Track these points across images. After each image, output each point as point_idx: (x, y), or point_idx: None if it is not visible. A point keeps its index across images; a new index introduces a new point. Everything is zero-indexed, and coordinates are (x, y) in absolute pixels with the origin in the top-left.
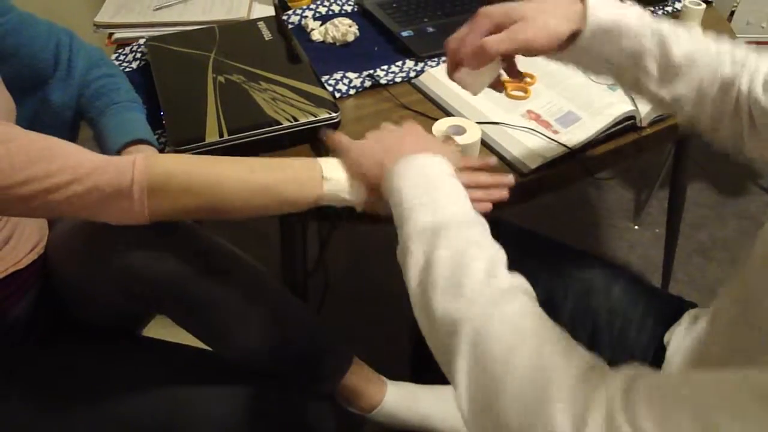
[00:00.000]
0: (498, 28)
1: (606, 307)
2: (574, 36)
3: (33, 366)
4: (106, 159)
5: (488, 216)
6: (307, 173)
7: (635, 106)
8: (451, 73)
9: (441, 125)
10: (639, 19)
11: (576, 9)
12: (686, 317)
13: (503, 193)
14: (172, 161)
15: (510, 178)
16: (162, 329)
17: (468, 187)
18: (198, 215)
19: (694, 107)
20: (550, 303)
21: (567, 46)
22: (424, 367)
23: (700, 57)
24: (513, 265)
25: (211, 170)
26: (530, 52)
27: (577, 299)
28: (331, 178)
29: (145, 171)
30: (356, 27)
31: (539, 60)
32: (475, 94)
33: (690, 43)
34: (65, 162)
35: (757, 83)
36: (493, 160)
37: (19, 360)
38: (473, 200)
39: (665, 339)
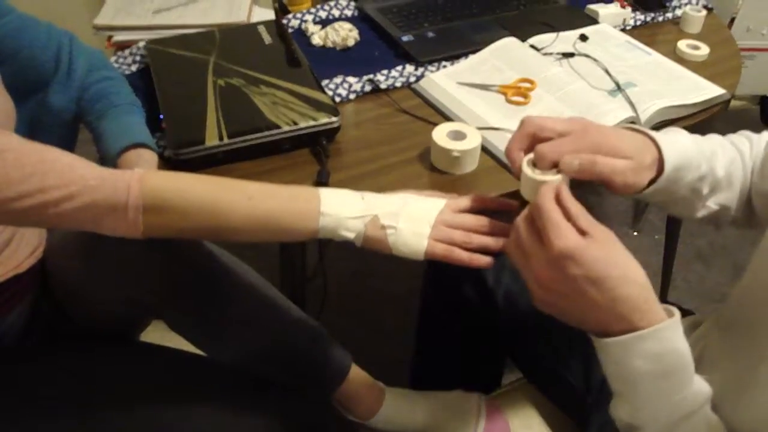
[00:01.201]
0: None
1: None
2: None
3: (28, 370)
4: (102, 175)
5: None
6: (305, 205)
7: (635, 112)
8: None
9: (441, 130)
10: (694, 144)
11: (652, 149)
12: (683, 324)
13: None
14: (168, 183)
15: None
16: (159, 334)
17: (475, 232)
18: (193, 236)
19: (735, 211)
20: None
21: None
22: (423, 373)
23: (733, 164)
24: (509, 275)
25: (208, 195)
26: (605, 184)
27: None
28: (328, 213)
29: (140, 193)
30: (356, 31)
31: (538, 65)
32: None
33: (724, 155)
34: (60, 177)
35: (756, 164)
36: (513, 203)
37: (15, 364)
38: (479, 248)
39: None
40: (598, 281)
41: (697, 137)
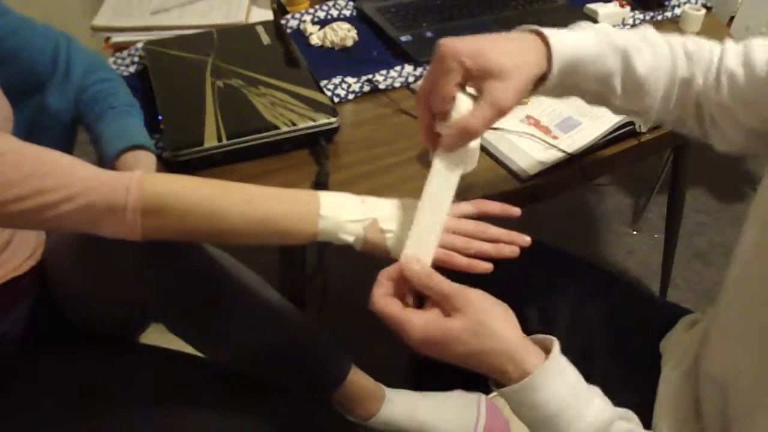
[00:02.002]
0: (467, 75)
1: (601, 315)
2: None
3: (27, 373)
4: (101, 177)
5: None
6: (304, 208)
7: None
8: (428, 134)
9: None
10: (598, 41)
11: (540, 48)
12: (682, 324)
13: (515, 252)
14: (167, 185)
15: (526, 239)
16: (159, 336)
17: (475, 238)
18: (192, 239)
19: (658, 114)
20: (545, 311)
21: (535, 88)
22: (423, 374)
23: (661, 66)
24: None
25: (208, 198)
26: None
27: (572, 307)
28: (327, 216)
29: (139, 195)
30: (355, 31)
31: None
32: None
33: (652, 54)
34: (59, 179)
35: (710, 77)
36: (516, 210)
37: (14, 367)
38: (478, 254)
39: (661, 346)
40: (469, 354)
41: (614, 32)
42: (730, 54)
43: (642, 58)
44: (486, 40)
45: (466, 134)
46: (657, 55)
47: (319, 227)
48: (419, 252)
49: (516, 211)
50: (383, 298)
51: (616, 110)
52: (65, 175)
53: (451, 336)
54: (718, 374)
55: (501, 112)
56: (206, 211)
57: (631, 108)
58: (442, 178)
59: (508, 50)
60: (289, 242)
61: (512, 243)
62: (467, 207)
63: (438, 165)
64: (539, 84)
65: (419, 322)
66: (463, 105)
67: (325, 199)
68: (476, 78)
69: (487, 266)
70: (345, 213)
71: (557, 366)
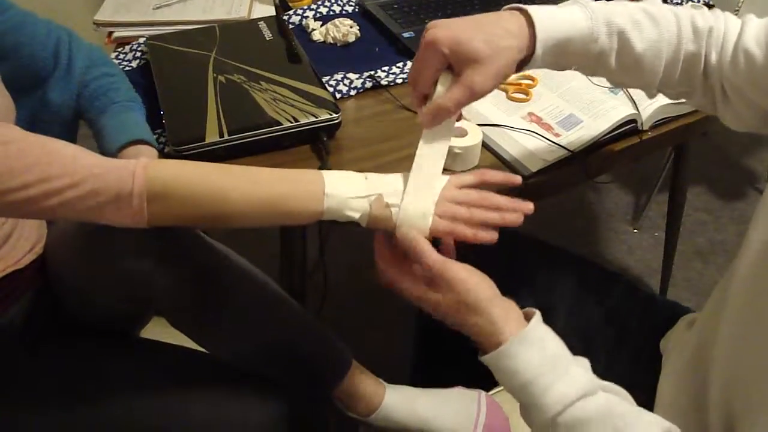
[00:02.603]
0: (448, 61)
1: (601, 313)
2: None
3: (27, 367)
4: (106, 164)
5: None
6: (309, 187)
7: (637, 109)
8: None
9: None
10: (589, 18)
11: (524, 31)
12: (681, 323)
13: (519, 219)
14: (173, 170)
15: (530, 206)
16: (160, 330)
17: (480, 206)
18: (198, 224)
19: (660, 87)
20: (545, 309)
21: (521, 67)
22: (424, 370)
23: (664, 40)
24: (507, 270)
25: (213, 181)
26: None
27: (572, 305)
28: (332, 194)
29: (145, 181)
30: (357, 27)
31: None
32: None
33: (652, 29)
34: (63, 167)
35: (726, 54)
36: (518, 179)
37: (14, 360)
38: (482, 222)
39: (661, 345)
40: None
41: (610, 7)
42: (750, 32)
43: (641, 34)
44: (469, 26)
45: (438, 113)
46: (659, 27)
47: (324, 206)
48: (415, 218)
49: (517, 179)
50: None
51: (613, 83)
52: (69, 163)
53: (440, 310)
54: (723, 371)
55: (474, 95)
56: (212, 194)
57: (629, 83)
58: (429, 148)
59: (490, 35)
60: (295, 222)
61: (516, 210)
62: (469, 178)
63: (425, 138)
64: (524, 64)
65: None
66: (441, 87)
67: (329, 177)
68: (456, 64)
69: (491, 236)
70: (350, 190)
71: (534, 334)
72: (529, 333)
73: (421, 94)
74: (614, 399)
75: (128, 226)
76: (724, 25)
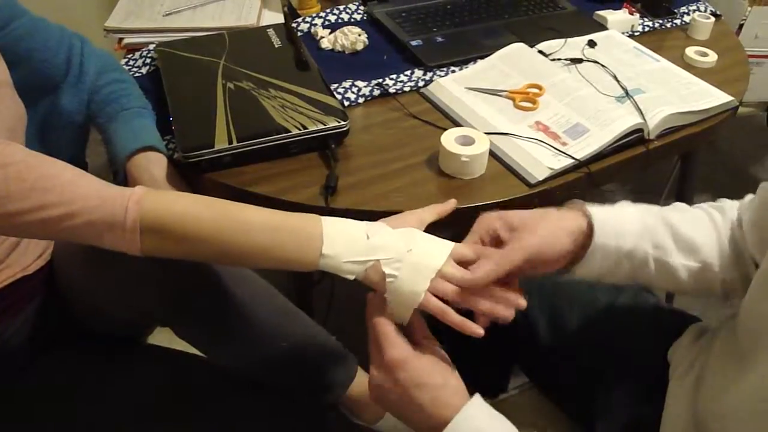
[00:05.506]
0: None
1: (609, 322)
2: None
3: (34, 373)
4: (102, 194)
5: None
6: (306, 243)
7: (643, 119)
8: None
9: (449, 135)
10: (639, 237)
11: (582, 229)
12: (689, 332)
13: (510, 315)
14: (166, 207)
15: (522, 303)
16: (168, 336)
17: (475, 294)
18: (193, 260)
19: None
20: (553, 317)
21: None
22: None
23: (701, 224)
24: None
25: (207, 223)
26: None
27: (580, 313)
28: (329, 255)
29: (137, 215)
30: (365, 36)
31: (547, 71)
32: None
33: (682, 218)
34: (60, 195)
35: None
36: (522, 303)
37: (21, 368)
38: (472, 309)
39: (669, 354)
40: (420, 386)
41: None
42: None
43: (677, 220)
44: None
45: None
46: (684, 214)
47: (320, 264)
48: (406, 296)
49: (522, 303)
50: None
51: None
52: (67, 192)
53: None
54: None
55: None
56: (205, 236)
57: (692, 267)
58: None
59: (547, 230)
60: (293, 270)
61: (508, 304)
62: (467, 252)
63: None
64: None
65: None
66: None
67: (328, 235)
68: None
69: (478, 332)
70: (347, 252)
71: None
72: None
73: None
74: None
75: (125, 252)
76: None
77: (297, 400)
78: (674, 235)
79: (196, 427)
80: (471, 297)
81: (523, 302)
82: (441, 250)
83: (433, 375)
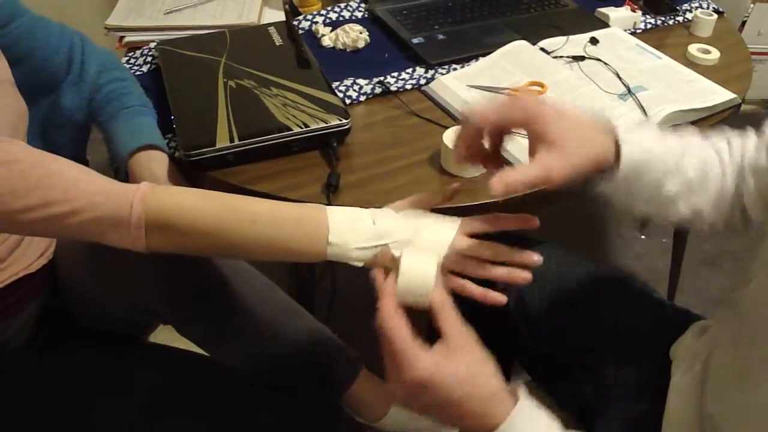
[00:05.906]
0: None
1: (611, 319)
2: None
3: (35, 372)
4: (106, 191)
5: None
6: (312, 232)
7: (645, 115)
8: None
9: (451, 133)
10: (661, 141)
11: (607, 145)
12: (692, 330)
13: (528, 277)
14: (171, 202)
15: (536, 259)
16: (169, 335)
17: (491, 262)
18: (198, 254)
19: (711, 215)
20: (554, 315)
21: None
22: None
23: (711, 166)
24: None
25: (212, 216)
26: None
27: (582, 311)
28: (336, 243)
29: (142, 212)
30: (367, 33)
31: (549, 68)
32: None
33: (696, 155)
34: (65, 192)
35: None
36: (534, 221)
37: (22, 366)
38: (491, 279)
39: (671, 352)
40: (448, 403)
41: (666, 133)
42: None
43: (689, 158)
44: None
45: (510, 191)
46: (700, 150)
47: (327, 254)
48: (416, 283)
49: (534, 222)
50: (395, 314)
51: (673, 221)
52: (71, 189)
53: (442, 384)
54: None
55: (542, 180)
56: (210, 230)
57: (682, 213)
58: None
59: (574, 127)
60: (296, 261)
61: (524, 265)
62: (477, 224)
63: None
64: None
65: (427, 361)
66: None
67: (334, 223)
68: (533, 137)
69: (501, 299)
70: (355, 239)
71: (523, 416)
72: (519, 415)
73: (472, 141)
74: None
75: (130, 249)
76: (725, 142)
77: (299, 399)
78: (681, 180)
79: (198, 426)
80: (487, 266)
81: (538, 258)
82: (449, 225)
83: (463, 383)
